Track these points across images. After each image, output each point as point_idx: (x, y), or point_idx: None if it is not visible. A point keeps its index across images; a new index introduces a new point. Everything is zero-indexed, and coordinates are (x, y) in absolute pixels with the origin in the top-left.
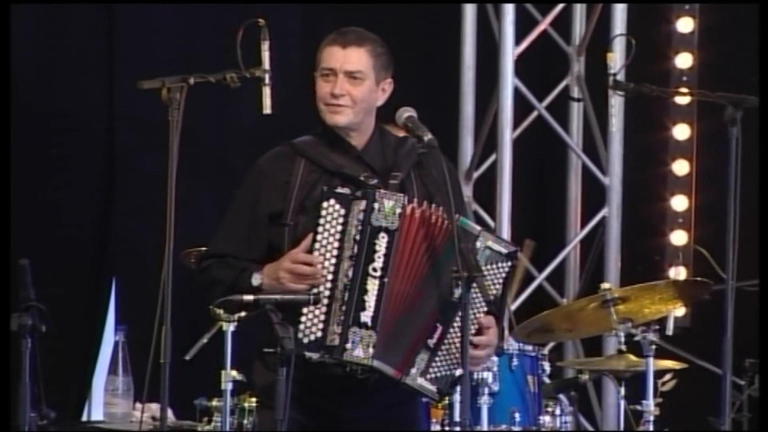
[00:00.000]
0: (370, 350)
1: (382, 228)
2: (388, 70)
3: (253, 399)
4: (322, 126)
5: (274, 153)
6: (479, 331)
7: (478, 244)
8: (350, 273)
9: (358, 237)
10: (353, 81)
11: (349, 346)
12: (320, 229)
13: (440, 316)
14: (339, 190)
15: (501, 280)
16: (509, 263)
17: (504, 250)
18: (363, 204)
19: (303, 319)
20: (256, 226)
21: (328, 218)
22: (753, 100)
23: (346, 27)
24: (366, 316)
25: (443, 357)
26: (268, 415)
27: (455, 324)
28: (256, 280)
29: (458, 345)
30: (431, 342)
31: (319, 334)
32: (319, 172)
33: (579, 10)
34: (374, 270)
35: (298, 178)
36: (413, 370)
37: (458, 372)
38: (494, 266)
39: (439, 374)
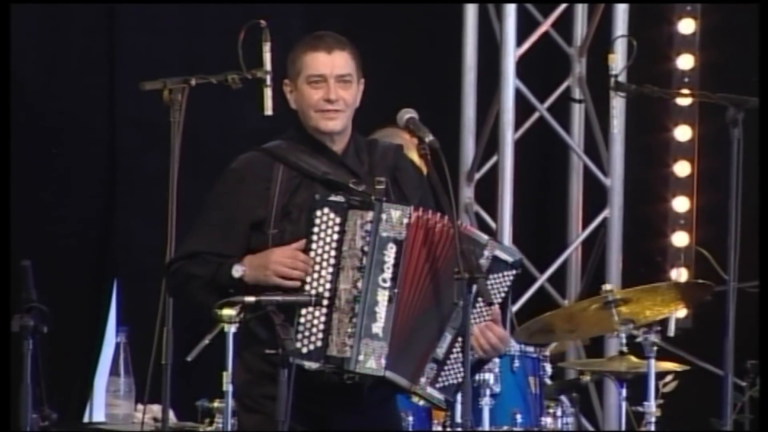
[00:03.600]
0: (383, 361)
1: (391, 238)
2: (361, 70)
3: None
4: (296, 130)
5: (250, 158)
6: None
7: (486, 252)
8: (359, 284)
9: (366, 248)
10: (344, 85)
11: (362, 357)
12: (314, 237)
13: (449, 324)
14: (332, 198)
15: (505, 288)
16: (513, 271)
17: (510, 259)
18: (370, 215)
19: (300, 328)
20: (234, 228)
21: (323, 227)
22: (754, 102)
23: (317, 33)
24: (377, 328)
25: (451, 366)
26: (249, 417)
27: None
28: (237, 271)
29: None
30: (440, 352)
31: (319, 343)
32: (300, 178)
33: (580, 11)
34: (384, 281)
35: (278, 185)
36: (423, 380)
37: (461, 379)
38: (499, 275)
39: (446, 383)
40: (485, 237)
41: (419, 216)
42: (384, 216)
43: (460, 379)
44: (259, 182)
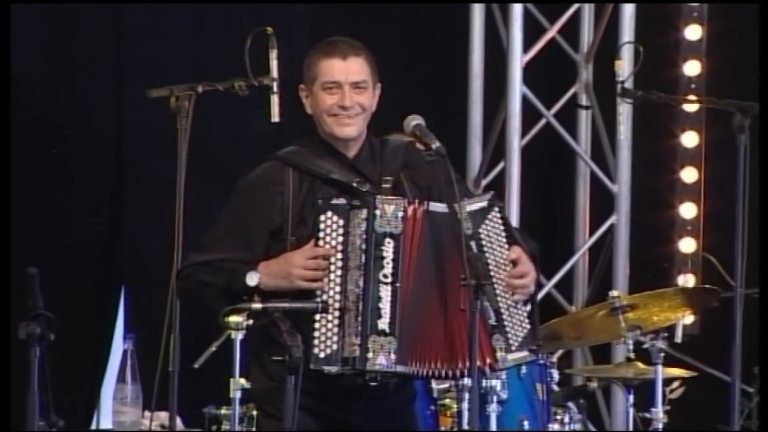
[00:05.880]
0: (392, 356)
1: (387, 233)
2: (377, 75)
3: None
4: (310, 136)
5: (261, 168)
6: (513, 263)
7: (459, 216)
8: (361, 282)
9: (364, 246)
10: (359, 90)
11: (370, 355)
12: (320, 242)
13: (481, 300)
14: (334, 201)
15: (500, 228)
16: (496, 209)
17: (484, 204)
18: (364, 212)
19: (316, 333)
20: (249, 235)
21: (327, 230)
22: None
23: (333, 38)
24: (383, 323)
25: (510, 325)
26: (271, 423)
27: (498, 291)
28: (252, 279)
29: (512, 304)
30: (492, 322)
31: (335, 347)
32: (310, 180)
33: (587, 17)
34: (384, 276)
35: (290, 189)
36: (499, 354)
37: (529, 324)
38: (486, 223)
39: (519, 340)
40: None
41: (415, 209)
42: (378, 212)
43: (527, 328)
44: (271, 187)
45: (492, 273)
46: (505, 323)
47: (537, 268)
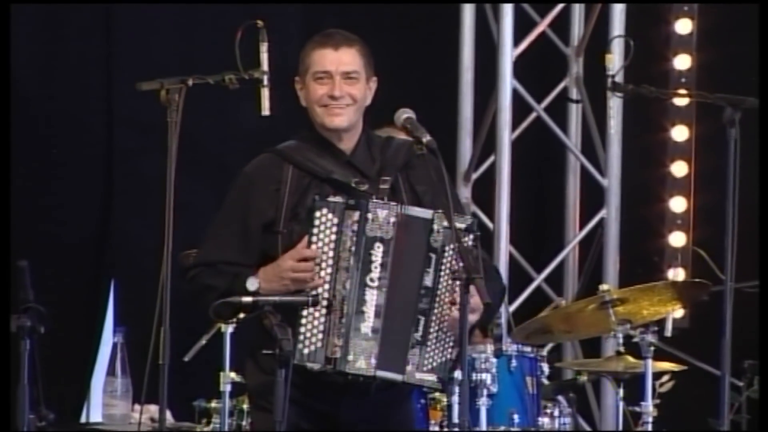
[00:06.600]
0: (372, 361)
1: (377, 238)
2: (372, 68)
3: None
4: (308, 130)
5: (261, 160)
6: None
7: (435, 226)
8: (348, 285)
9: (353, 248)
10: (350, 81)
11: (351, 358)
12: (314, 238)
13: (419, 307)
14: (331, 198)
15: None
16: (471, 236)
17: (463, 225)
18: (356, 215)
19: (302, 329)
20: (248, 234)
21: (321, 227)
22: (752, 102)
23: (328, 30)
24: (366, 327)
25: (433, 346)
26: (263, 417)
27: (435, 310)
28: (252, 284)
29: (444, 330)
30: (417, 336)
31: (319, 344)
32: (309, 178)
33: (578, 11)
34: (371, 280)
35: (287, 185)
36: (409, 368)
37: (451, 355)
38: (455, 244)
39: (434, 364)
40: (430, 212)
41: (399, 213)
42: (370, 216)
43: (448, 356)
44: (269, 184)
45: (438, 293)
46: (428, 343)
47: (485, 310)
